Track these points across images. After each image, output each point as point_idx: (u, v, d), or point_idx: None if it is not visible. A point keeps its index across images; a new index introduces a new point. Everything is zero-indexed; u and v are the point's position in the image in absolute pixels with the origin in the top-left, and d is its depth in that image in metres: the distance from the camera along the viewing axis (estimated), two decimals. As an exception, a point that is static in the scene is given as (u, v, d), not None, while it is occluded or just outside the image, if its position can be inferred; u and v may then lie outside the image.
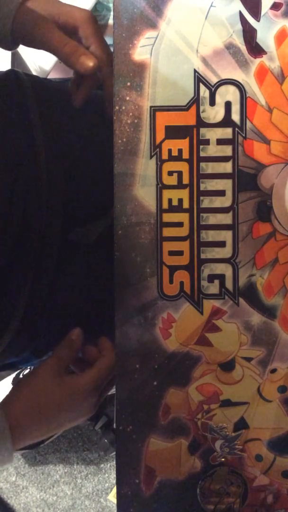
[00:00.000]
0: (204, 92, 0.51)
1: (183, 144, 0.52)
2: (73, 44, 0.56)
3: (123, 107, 0.52)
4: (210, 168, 0.52)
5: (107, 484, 1.29)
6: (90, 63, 0.55)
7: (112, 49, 0.53)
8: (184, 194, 0.52)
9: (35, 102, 0.61)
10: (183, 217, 0.52)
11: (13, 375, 1.24)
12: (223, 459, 0.55)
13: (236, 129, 0.51)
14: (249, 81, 0.51)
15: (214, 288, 0.52)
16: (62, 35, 0.56)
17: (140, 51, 0.52)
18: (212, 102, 0.51)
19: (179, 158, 0.52)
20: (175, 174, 0.52)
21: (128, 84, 0.52)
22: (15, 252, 0.57)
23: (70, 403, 0.56)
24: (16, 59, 1.18)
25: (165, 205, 0.52)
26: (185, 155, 0.52)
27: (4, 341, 0.60)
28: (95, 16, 0.57)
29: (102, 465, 1.30)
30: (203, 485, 0.55)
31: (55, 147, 0.61)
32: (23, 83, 0.63)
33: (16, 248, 0.57)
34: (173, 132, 0.52)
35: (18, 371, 1.24)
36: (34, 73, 1.21)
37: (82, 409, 0.57)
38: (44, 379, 0.56)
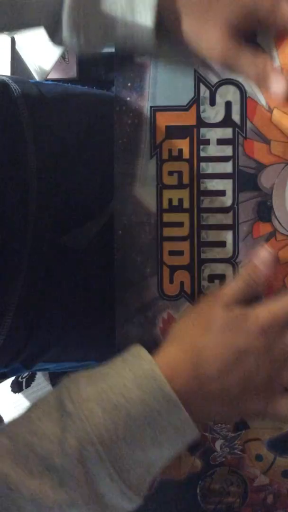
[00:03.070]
0: (204, 92, 0.51)
1: (183, 144, 0.52)
2: (258, 61, 0.43)
3: (124, 107, 0.52)
4: (210, 168, 0.52)
5: (106, 485, 1.29)
6: (279, 89, 0.44)
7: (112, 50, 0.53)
8: (184, 194, 0.52)
9: (24, 104, 0.60)
10: (183, 217, 0.52)
11: (12, 378, 1.23)
12: (223, 459, 0.55)
13: (236, 129, 0.51)
14: (249, 81, 0.51)
15: (214, 288, 0.52)
16: (234, 45, 0.41)
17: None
18: (212, 102, 0.51)
19: (179, 158, 0.52)
20: (175, 174, 0.52)
21: (129, 84, 0.52)
22: (3, 257, 0.56)
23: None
24: (16, 59, 1.18)
25: (165, 205, 0.52)
26: (185, 155, 0.52)
27: None
28: None
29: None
30: (203, 485, 0.55)
31: (47, 147, 0.60)
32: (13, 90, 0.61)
33: (3, 254, 0.56)
34: (173, 132, 0.52)
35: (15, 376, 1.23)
36: (34, 73, 1.21)
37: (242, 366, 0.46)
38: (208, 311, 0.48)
